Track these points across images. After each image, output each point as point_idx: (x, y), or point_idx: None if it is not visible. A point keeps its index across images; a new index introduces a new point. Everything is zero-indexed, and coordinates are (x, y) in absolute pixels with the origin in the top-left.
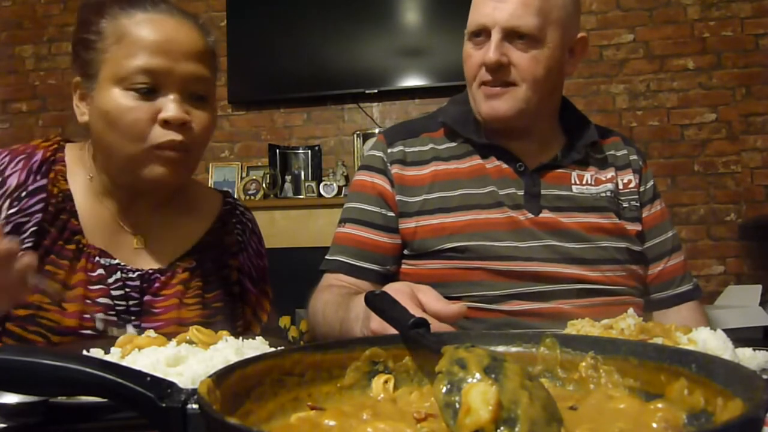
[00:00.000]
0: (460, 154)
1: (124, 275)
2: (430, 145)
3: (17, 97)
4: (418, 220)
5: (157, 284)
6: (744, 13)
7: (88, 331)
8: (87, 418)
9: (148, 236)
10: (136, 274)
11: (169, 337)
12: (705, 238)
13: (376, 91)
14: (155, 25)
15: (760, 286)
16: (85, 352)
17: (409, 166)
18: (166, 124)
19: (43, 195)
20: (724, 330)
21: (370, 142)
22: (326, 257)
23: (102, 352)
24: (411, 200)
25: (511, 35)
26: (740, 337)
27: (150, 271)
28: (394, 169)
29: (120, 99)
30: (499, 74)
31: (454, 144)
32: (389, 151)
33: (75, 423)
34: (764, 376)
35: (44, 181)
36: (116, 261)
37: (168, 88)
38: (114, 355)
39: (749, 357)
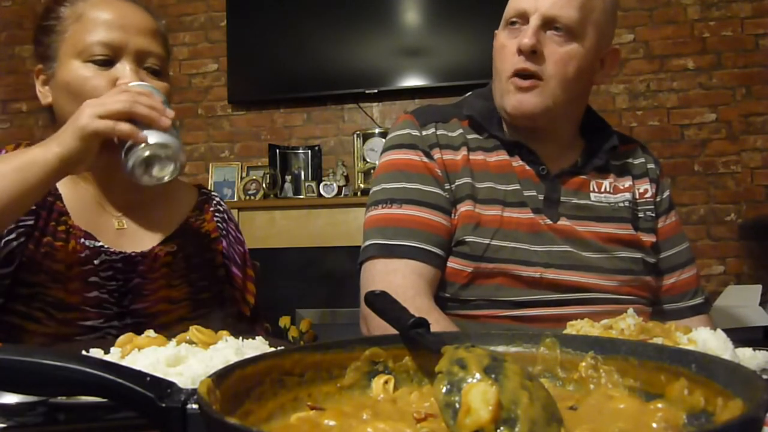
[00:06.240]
0: (488, 147)
1: (107, 257)
2: (460, 131)
3: (17, 97)
4: (456, 207)
5: (141, 267)
6: (744, 13)
7: (89, 308)
8: (87, 418)
9: (129, 219)
10: (119, 256)
11: (164, 329)
12: (705, 238)
13: (376, 91)
14: (110, 5)
15: (760, 286)
16: (84, 352)
17: (444, 149)
18: None
19: None
20: (724, 330)
21: (397, 126)
22: (383, 242)
23: (102, 352)
24: (451, 186)
25: (550, 24)
26: (740, 337)
27: (132, 254)
28: (434, 153)
29: (80, 70)
30: (532, 60)
31: (481, 137)
32: (423, 133)
33: (75, 423)
34: (764, 376)
35: None
36: (100, 243)
37: (124, 58)
38: (114, 355)
39: (749, 357)
